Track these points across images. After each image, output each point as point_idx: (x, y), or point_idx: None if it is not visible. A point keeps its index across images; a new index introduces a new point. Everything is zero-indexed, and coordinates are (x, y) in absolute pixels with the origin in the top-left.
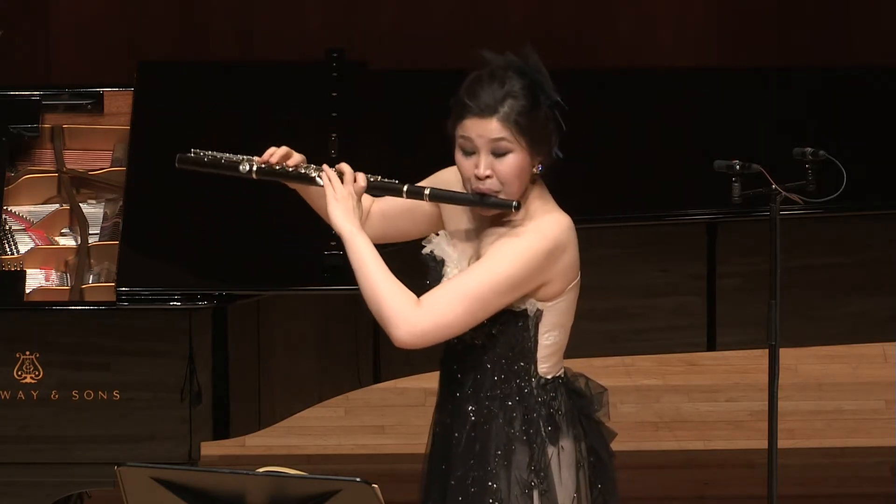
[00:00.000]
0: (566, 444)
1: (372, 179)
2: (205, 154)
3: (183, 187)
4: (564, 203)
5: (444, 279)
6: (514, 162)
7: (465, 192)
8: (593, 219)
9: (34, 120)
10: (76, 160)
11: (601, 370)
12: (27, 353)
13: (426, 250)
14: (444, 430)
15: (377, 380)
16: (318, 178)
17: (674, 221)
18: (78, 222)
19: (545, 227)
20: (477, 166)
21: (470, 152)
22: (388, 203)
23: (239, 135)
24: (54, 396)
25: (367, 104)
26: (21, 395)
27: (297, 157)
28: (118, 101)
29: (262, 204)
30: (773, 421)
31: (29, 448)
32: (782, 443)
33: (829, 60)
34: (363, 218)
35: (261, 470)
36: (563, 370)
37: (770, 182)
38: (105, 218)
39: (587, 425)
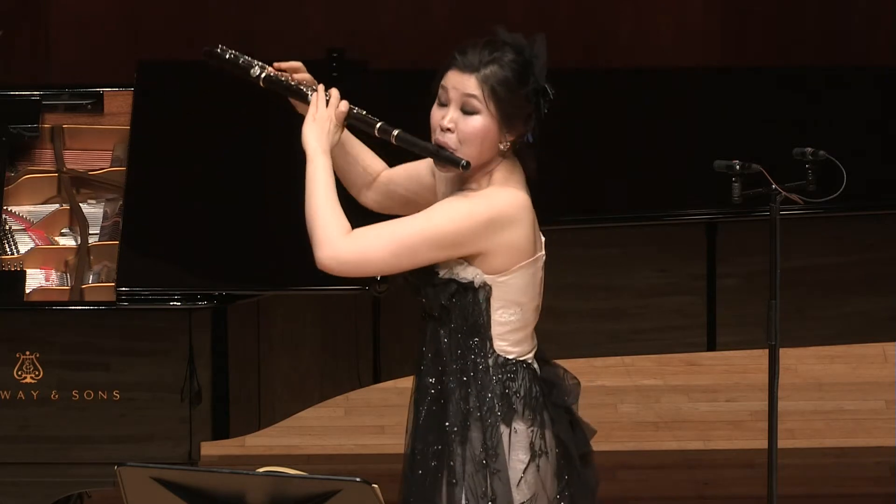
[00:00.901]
0: (520, 426)
1: (355, 111)
2: (228, 52)
3: (183, 187)
4: (564, 203)
5: None
6: (478, 124)
7: (427, 142)
8: (593, 219)
9: (34, 120)
10: (76, 160)
11: (601, 370)
12: (27, 353)
13: None
14: (414, 407)
15: (377, 380)
16: (309, 96)
17: (674, 221)
18: (78, 222)
19: (494, 196)
20: (443, 117)
21: (443, 104)
22: (404, 168)
23: (239, 135)
24: (54, 396)
25: (367, 104)
26: (21, 395)
27: (305, 75)
28: (118, 101)
29: (261, 204)
30: (773, 421)
31: (29, 448)
32: (782, 443)
33: (829, 60)
34: (365, 170)
35: (261, 470)
36: (531, 355)
37: (770, 182)
38: (105, 217)
39: (555, 415)
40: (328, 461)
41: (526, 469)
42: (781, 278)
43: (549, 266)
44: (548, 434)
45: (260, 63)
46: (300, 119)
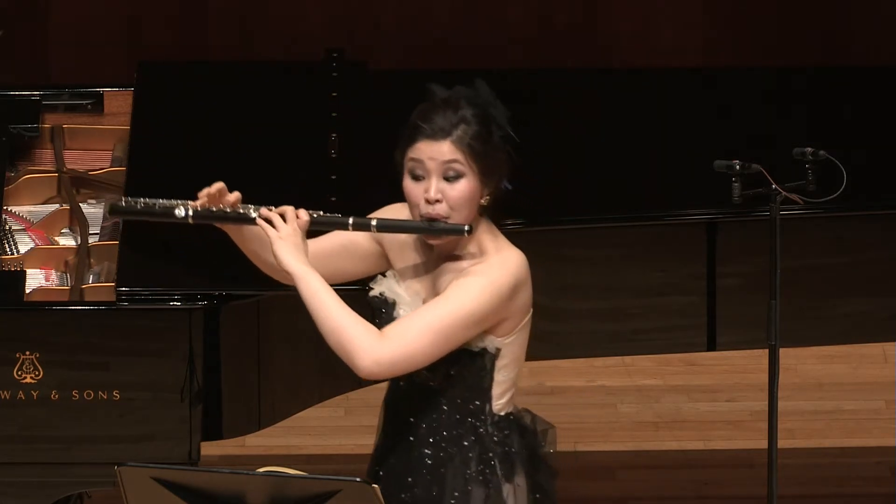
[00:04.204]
0: (521, 481)
1: (315, 215)
2: (139, 202)
3: (182, 187)
4: (564, 203)
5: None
6: (464, 187)
7: (413, 220)
8: (593, 219)
9: (34, 120)
10: (76, 160)
11: (601, 370)
12: (27, 353)
13: (374, 292)
14: (395, 477)
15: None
16: (257, 218)
17: (674, 221)
18: (78, 222)
19: (506, 262)
20: (427, 190)
21: (419, 176)
22: (323, 242)
23: (239, 135)
24: (54, 396)
25: (367, 104)
26: (21, 395)
27: (233, 196)
28: (118, 101)
29: (261, 204)
30: (773, 421)
31: (29, 448)
32: (782, 443)
33: (829, 60)
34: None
35: (261, 470)
36: (514, 406)
37: (770, 182)
38: (105, 217)
39: (535, 462)
40: (328, 461)
41: None
42: (781, 278)
43: (549, 266)
44: (532, 482)
45: (181, 202)
46: (303, 118)
